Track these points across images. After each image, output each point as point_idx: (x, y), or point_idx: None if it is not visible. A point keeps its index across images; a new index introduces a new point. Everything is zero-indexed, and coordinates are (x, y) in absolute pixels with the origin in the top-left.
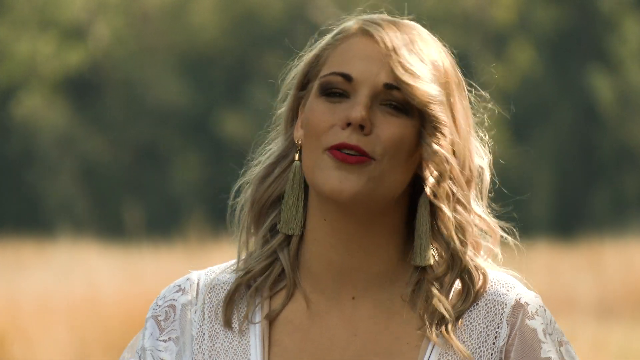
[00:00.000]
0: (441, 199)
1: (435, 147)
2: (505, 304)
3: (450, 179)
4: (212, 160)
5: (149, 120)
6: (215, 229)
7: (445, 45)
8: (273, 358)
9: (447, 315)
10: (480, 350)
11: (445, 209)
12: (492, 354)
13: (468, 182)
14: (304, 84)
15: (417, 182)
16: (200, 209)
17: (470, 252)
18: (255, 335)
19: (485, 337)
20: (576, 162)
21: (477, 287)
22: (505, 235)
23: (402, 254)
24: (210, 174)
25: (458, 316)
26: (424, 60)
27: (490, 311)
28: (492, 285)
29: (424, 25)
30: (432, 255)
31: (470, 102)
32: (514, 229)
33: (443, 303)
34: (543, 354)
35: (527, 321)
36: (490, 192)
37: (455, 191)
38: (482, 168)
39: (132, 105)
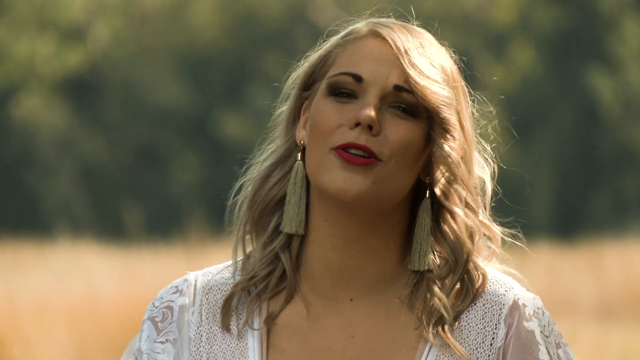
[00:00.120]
0: (453, 201)
1: (448, 149)
2: (503, 305)
3: (460, 181)
4: (212, 161)
5: (149, 121)
6: (215, 229)
7: (452, 55)
8: None
9: (445, 314)
10: (478, 352)
11: (458, 211)
12: (489, 355)
13: (475, 189)
14: (308, 85)
15: (420, 186)
16: (200, 209)
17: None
18: (253, 338)
19: (483, 338)
20: (576, 163)
21: (476, 286)
22: (508, 239)
23: (401, 257)
24: (209, 175)
25: (456, 316)
26: (434, 64)
27: (488, 312)
28: (490, 285)
29: (425, 26)
30: (432, 260)
31: (473, 114)
32: (518, 235)
33: (442, 302)
34: (540, 355)
35: (525, 323)
36: (492, 201)
37: (465, 195)
38: (483, 180)
39: (131, 106)
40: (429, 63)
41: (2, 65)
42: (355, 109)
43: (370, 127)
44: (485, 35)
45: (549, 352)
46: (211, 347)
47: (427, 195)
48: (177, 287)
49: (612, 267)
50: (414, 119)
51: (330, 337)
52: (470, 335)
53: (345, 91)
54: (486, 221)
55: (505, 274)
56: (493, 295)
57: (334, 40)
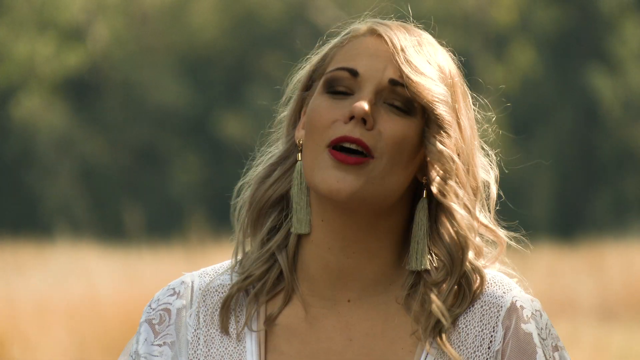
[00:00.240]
0: (450, 198)
1: (440, 146)
2: (501, 307)
3: (456, 180)
4: (212, 162)
5: (149, 122)
6: (215, 230)
7: (453, 56)
8: None
9: (443, 321)
10: (476, 355)
11: (456, 207)
12: (487, 358)
13: (474, 191)
14: (308, 85)
15: (417, 187)
16: (200, 210)
17: (470, 256)
18: (251, 341)
19: (481, 341)
20: (577, 163)
21: (474, 289)
22: (511, 243)
23: (399, 258)
24: (209, 175)
25: (454, 319)
26: (430, 61)
27: (486, 314)
28: (488, 287)
29: (425, 25)
30: (429, 260)
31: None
32: (523, 238)
33: (439, 308)
34: (538, 358)
35: (522, 325)
36: (496, 204)
37: (461, 194)
38: (487, 182)
39: (131, 107)
40: (426, 61)
41: (2, 65)
42: (350, 104)
43: (364, 121)
44: (485, 36)
45: (545, 356)
46: (209, 350)
47: (424, 195)
48: (174, 289)
49: (612, 268)
50: (408, 115)
51: (329, 338)
52: (468, 338)
53: (340, 89)
54: (491, 225)
55: (504, 274)
56: (491, 297)
57: (334, 41)
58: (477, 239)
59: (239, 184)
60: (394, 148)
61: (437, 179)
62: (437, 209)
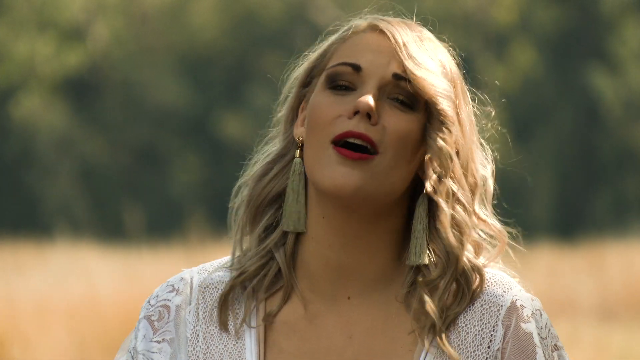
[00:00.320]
0: (440, 195)
1: (440, 142)
2: (501, 306)
3: (452, 177)
4: (212, 162)
5: (148, 121)
6: (215, 230)
7: (453, 55)
8: None
9: (436, 321)
10: (476, 354)
11: (442, 204)
12: (487, 358)
13: (472, 188)
14: (307, 82)
15: (418, 184)
16: (200, 210)
17: (468, 254)
18: (250, 338)
19: (481, 341)
20: (577, 163)
21: (473, 288)
22: (511, 242)
23: (399, 255)
24: (209, 175)
25: (453, 318)
26: (432, 57)
27: (486, 313)
28: (488, 286)
29: (424, 22)
30: (428, 256)
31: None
32: (519, 234)
33: (434, 307)
34: (538, 358)
35: (522, 325)
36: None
37: (455, 190)
38: (485, 177)
39: (131, 106)
40: (428, 56)
41: (2, 65)
42: (353, 99)
43: (369, 116)
44: (485, 36)
45: (545, 355)
46: (208, 347)
47: (424, 191)
48: (173, 285)
49: (612, 268)
50: (412, 111)
51: (329, 336)
52: (468, 337)
53: (342, 84)
54: (489, 220)
55: (505, 272)
56: (491, 296)
57: (333, 37)
58: (477, 236)
59: (237, 185)
60: (398, 143)
61: (434, 175)
62: (434, 205)
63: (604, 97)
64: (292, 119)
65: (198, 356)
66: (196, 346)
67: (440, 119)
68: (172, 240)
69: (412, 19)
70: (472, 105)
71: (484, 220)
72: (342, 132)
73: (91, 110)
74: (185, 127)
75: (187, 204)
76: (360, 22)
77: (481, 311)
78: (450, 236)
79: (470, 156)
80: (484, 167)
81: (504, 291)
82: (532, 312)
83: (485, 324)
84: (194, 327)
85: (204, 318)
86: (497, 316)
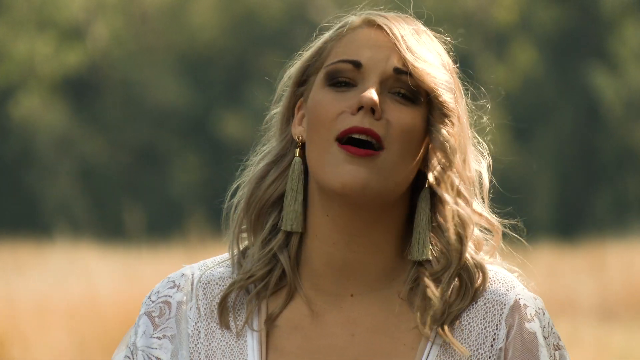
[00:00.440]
0: (444, 187)
1: (445, 133)
2: (504, 305)
3: (455, 170)
4: (212, 161)
5: (148, 121)
6: (214, 229)
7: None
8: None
9: (444, 312)
10: (479, 353)
11: (447, 197)
12: (490, 356)
13: (470, 182)
14: (302, 81)
15: (419, 179)
16: (200, 210)
17: (470, 249)
18: (252, 337)
19: (484, 339)
20: (577, 163)
21: (476, 285)
22: (508, 232)
23: (401, 251)
24: (209, 175)
25: (456, 315)
26: (430, 49)
27: (489, 311)
28: (491, 284)
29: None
30: (431, 251)
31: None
32: (517, 225)
33: (438, 297)
34: (541, 357)
35: (526, 324)
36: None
37: (458, 183)
38: (480, 172)
39: (131, 106)
40: (426, 49)
41: (1, 64)
42: (355, 95)
43: (372, 111)
44: (485, 35)
45: (548, 354)
46: (210, 344)
47: (427, 185)
48: (174, 281)
49: (613, 268)
50: (414, 104)
51: (332, 334)
52: (471, 335)
53: (343, 80)
54: (485, 213)
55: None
56: (494, 295)
57: (327, 35)
58: (476, 232)
59: (233, 186)
60: (402, 137)
61: (438, 167)
62: (436, 199)
63: (604, 96)
64: (288, 118)
65: (200, 353)
66: (198, 343)
67: (442, 110)
68: (172, 240)
69: (406, 12)
70: (465, 99)
71: (479, 213)
72: (347, 128)
73: (91, 109)
74: (185, 126)
75: (187, 204)
76: (355, 18)
77: (484, 309)
78: (454, 230)
79: (467, 149)
80: (479, 162)
81: (507, 290)
82: (536, 311)
83: (489, 322)
84: (196, 323)
85: (205, 314)
86: (501, 315)
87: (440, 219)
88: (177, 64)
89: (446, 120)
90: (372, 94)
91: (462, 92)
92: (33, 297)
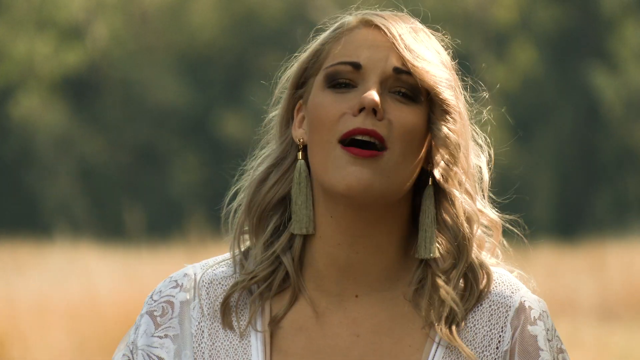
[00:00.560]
0: (452, 184)
1: (447, 130)
2: (510, 307)
3: (460, 166)
4: (212, 161)
5: (148, 121)
6: (214, 229)
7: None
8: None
9: (454, 307)
10: (484, 355)
11: (457, 193)
12: (495, 359)
13: (472, 177)
14: (300, 83)
15: (421, 178)
16: (200, 209)
17: (475, 248)
18: (256, 338)
19: (489, 341)
20: (577, 163)
21: (481, 286)
22: (508, 227)
23: (405, 252)
24: (209, 175)
25: (462, 316)
26: (428, 47)
27: (494, 313)
28: (496, 286)
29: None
30: (438, 249)
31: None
32: (518, 221)
33: (450, 295)
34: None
35: (529, 327)
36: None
37: (464, 180)
38: (479, 167)
39: (130, 106)
40: (424, 47)
41: (1, 64)
42: (356, 96)
43: (374, 112)
44: (485, 35)
45: (551, 357)
46: (213, 343)
47: (430, 183)
48: (176, 281)
49: (613, 268)
50: (415, 103)
51: (336, 335)
52: (476, 337)
53: (342, 81)
54: (485, 210)
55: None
56: (499, 297)
57: (323, 36)
58: (479, 231)
59: (232, 188)
60: (405, 137)
61: (442, 164)
62: (442, 196)
63: (604, 96)
64: (287, 121)
65: (204, 352)
66: (201, 342)
67: (443, 108)
68: (171, 240)
69: (402, 11)
70: (466, 97)
71: (480, 210)
72: (349, 130)
73: (90, 109)
74: (185, 126)
75: (187, 204)
76: (351, 19)
77: (489, 312)
78: (461, 225)
79: (469, 145)
80: (478, 157)
81: (512, 292)
82: (540, 314)
83: (494, 324)
84: (199, 323)
85: (208, 314)
86: (506, 317)
87: (446, 216)
88: (177, 63)
89: (448, 118)
90: (374, 94)
91: (460, 88)
92: (33, 297)
